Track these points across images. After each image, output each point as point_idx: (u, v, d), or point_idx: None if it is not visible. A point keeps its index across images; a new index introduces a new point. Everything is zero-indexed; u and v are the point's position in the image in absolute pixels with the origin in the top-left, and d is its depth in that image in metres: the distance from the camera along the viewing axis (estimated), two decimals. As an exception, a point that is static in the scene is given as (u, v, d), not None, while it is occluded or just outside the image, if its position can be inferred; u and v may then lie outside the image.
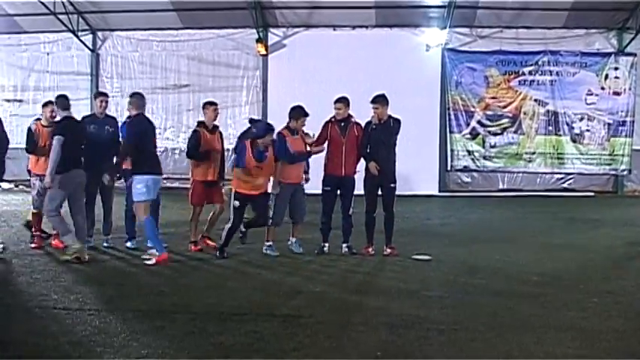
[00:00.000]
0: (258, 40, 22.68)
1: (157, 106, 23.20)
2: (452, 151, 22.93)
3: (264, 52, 23.13)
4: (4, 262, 9.96)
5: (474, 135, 22.87)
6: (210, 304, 7.60)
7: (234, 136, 21.07)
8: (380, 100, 10.76)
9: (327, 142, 10.91)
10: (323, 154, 11.00)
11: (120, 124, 11.44)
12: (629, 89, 22.51)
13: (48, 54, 24.52)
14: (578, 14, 21.86)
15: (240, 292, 8.29)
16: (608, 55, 22.61)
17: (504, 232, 14.36)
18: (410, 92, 20.12)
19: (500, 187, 23.17)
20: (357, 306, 7.65)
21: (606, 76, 22.49)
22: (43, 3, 21.35)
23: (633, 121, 22.57)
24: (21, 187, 22.08)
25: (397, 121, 10.83)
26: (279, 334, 6.33)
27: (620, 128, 22.59)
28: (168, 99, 23.87)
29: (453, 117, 22.83)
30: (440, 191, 22.82)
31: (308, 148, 10.89)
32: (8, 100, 24.73)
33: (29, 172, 11.45)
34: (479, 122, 22.81)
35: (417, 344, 6.06)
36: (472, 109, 22.78)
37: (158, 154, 11.79)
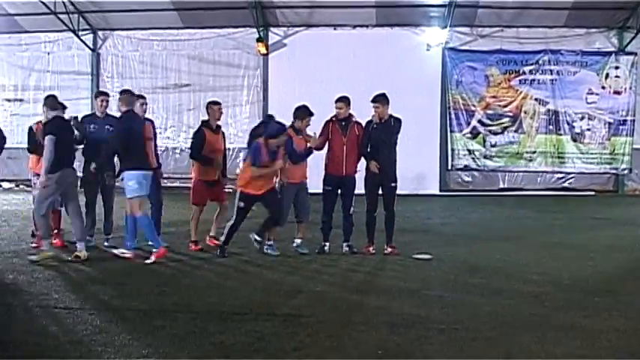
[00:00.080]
0: (258, 40, 22.69)
1: (158, 105, 23.22)
2: (452, 150, 22.95)
3: (264, 52, 23.15)
4: (5, 261, 9.96)
5: (474, 134, 22.89)
6: (210, 304, 7.60)
7: (234, 135, 21.20)
8: (381, 100, 10.75)
9: (327, 142, 10.90)
10: (324, 153, 10.99)
11: None
12: (630, 88, 22.54)
13: (48, 53, 24.54)
14: (579, 13, 21.88)
15: (241, 291, 8.28)
16: (609, 54, 22.64)
17: (505, 231, 14.35)
18: (410, 91, 20.15)
19: (501, 186, 23.19)
20: (358, 305, 7.64)
21: (607, 76, 22.52)
22: (43, 2, 21.38)
23: (634, 120, 22.60)
24: (21, 186, 22.12)
25: (398, 121, 10.82)
26: (280, 334, 6.33)
27: (621, 127, 22.63)
28: (168, 98, 23.89)
29: (453, 116, 22.85)
30: (440, 190, 22.86)
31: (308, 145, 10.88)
32: (9, 100, 24.76)
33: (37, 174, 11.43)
34: (479, 121, 22.83)
35: (418, 343, 6.05)
36: (473, 109, 22.80)
37: (159, 153, 11.82)
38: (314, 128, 10.96)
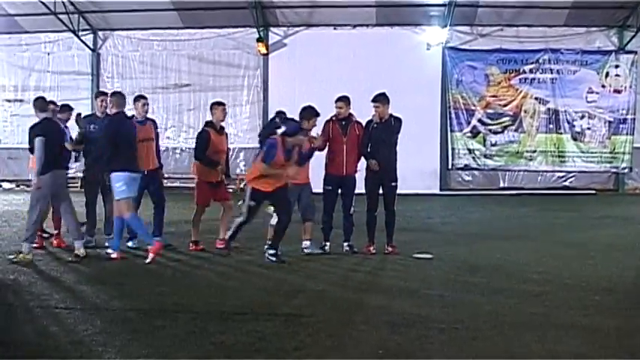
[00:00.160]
0: (258, 40, 22.71)
1: (158, 105, 23.21)
2: (453, 149, 22.97)
3: (264, 52, 23.17)
4: (6, 262, 9.95)
5: (474, 133, 22.91)
6: (211, 304, 7.60)
7: (234, 135, 21.21)
8: (381, 99, 10.74)
9: (327, 142, 10.89)
10: (324, 153, 10.98)
11: None
12: (630, 87, 22.57)
13: (49, 54, 24.57)
14: (579, 12, 21.90)
15: (242, 291, 8.29)
16: (609, 53, 22.66)
17: (505, 230, 14.36)
18: (411, 91, 20.16)
19: (501, 185, 23.21)
20: (359, 305, 7.63)
21: (607, 74, 22.55)
22: (43, 3, 21.39)
23: (634, 119, 22.63)
24: (22, 186, 22.13)
25: (398, 120, 10.82)
26: (281, 334, 6.32)
27: (621, 126, 22.66)
28: (169, 98, 23.91)
29: (453, 115, 22.88)
30: (441, 190, 22.87)
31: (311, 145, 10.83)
32: (9, 100, 24.78)
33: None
34: (480, 121, 22.85)
35: (419, 343, 6.05)
36: (473, 108, 22.81)
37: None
38: (315, 128, 10.95)
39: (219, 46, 23.87)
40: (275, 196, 10.18)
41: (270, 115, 22.51)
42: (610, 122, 22.69)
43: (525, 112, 22.77)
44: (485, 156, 22.94)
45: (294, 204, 10.77)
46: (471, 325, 6.59)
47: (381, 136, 10.71)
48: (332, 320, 6.86)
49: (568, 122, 22.73)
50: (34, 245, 10.84)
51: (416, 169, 19.32)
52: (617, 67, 22.58)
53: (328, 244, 10.97)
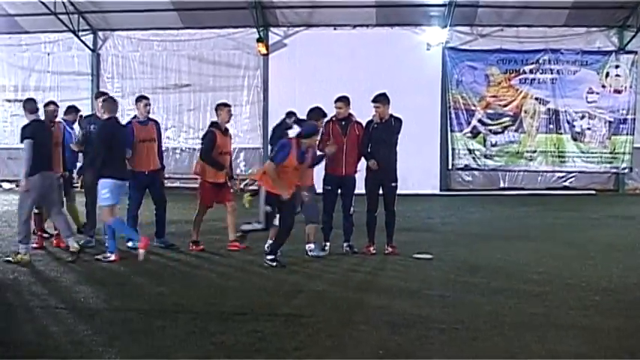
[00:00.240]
0: (258, 40, 22.68)
1: (158, 105, 23.15)
2: (453, 149, 22.95)
3: (264, 52, 23.14)
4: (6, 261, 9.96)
5: (474, 134, 22.88)
6: (211, 304, 7.61)
7: (235, 135, 21.16)
8: (381, 99, 10.73)
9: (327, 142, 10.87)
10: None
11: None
12: (630, 87, 22.53)
13: (49, 54, 24.53)
14: (579, 12, 21.87)
15: (242, 291, 8.30)
16: (609, 53, 22.62)
17: (505, 230, 14.35)
18: (411, 91, 20.13)
19: (502, 185, 23.19)
20: (359, 305, 7.64)
21: (607, 74, 22.51)
22: (43, 3, 21.38)
23: (634, 119, 22.59)
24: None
25: (398, 120, 10.81)
26: (281, 334, 6.33)
27: (621, 126, 22.62)
28: (169, 99, 23.88)
29: (453, 116, 22.84)
30: (441, 190, 22.84)
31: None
32: (9, 101, 24.76)
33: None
34: (480, 121, 22.82)
35: (419, 343, 6.06)
36: (473, 108, 22.79)
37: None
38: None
39: (219, 47, 23.83)
40: (282, 203, 9.87)
41: (271, 115, 22.76)
42: (610, 122, 22.66)
43: (525, 112, 22.74)
44: (486, 156, 22.91)
45: (298, 206, 10.65)
46: (472, 326, 6.60)
47: (381, 137, 10.70)
48: (332, 320, 6.87)
49: (568, 122, 22.70)
50: (34, 245, 10.88)
51: (416, 169, 19.27)
52: (617, 67, 22.54)
53: (328, 244, 10.96)
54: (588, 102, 22.59)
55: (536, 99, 22.69)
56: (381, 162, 10.63)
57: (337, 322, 6.80)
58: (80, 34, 23.53)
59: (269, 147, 12.27)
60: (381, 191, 10.90)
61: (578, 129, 22.72)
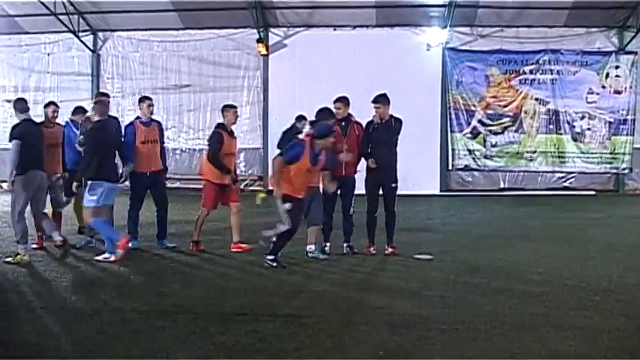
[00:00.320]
0: (258, 40, 22.67)
1: (158, 106, 22.94)
2: (453, 150, 22.94)
3: (264, 52, 23.13)
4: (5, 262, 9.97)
5: (474, 134, 22.88)
6: (211, 305, 7.61)
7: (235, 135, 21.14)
8: (381, 100, 10.73)
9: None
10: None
11: (125, 125, 11.59)
12: (630, 88, 22.53)
13: (49, 54, 24.51)
14: (579, 13, 21.87)
15: (242, 292, 8.28)
16: (609, 53, 22.62)
17: (505, 231, 14.34)
18: (411, 92, 20.12)
19: (502, 186, 23.18)
20: (359, 305, 7.64)
21: (607, 75, 22.50)
22: (43, 3, 21.37)
23: (634, 120, 22.59)
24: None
25: (399, 121, 10.80)
26: (281, 334, 6.33)
27: (621, 127, 22.61)
28: (169, 99, 23.87)
29: (453, 116, 22.84)
30: (441, 190, 22.83)
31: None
32: (9, 101, 24.64)
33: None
34: (480, 121, 22.81)
35: (419, 343, 6.06)
36: (473, 109, 22.78)
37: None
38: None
39: (220, 47, 23.82)
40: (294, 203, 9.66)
41: (271, 116, 22.77)
42: (610, 123, 22.65)
43: (525, 112, 22.73)
44: (486, 157, 22.91)
45: (305, 209, 10.47)
46: (472, 326, 6.60)
47: (381, 137, 10.69)
48: (332, 321, 6.86)
49: (568, 123, 22.69)
50: (34, 246, 10.89)
51: (416, 169, 19.26)
52: (617, 67, 22.54)
53: (328, 244, 10.94)
54: (588, 102, 22.59)
55: (536, 99, 22.69)
56: (381, 162, 10.61)
57: (337, 323, 6.79)
58: (80, 34, 23.53)
59: (277, 150, 12.13)
60: (381, 192, 10.89)
61: (578, 129, 22.72)
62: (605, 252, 11.40)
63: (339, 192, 10.87)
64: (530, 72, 22.66)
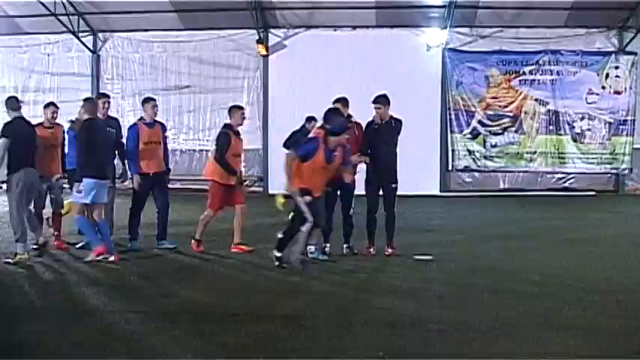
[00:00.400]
0: (258, 41, 22.64)
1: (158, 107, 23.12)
2: (453, 151, 22.91)
3: (264, 53, 23.10)
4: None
5: (474, 135, 22.84)
6: (212, 305, 7.60)
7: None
8: (382, 100, 10.71)
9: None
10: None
11: (129, 126, 11.57)
12: (630, 88, 22.49)
13: (48, 55, 24.45)
14: (579, 13, 21.83)
15: (242, 292, 8.29)
16: (609, 54, 22.58)
17: (505, 231, 14.32)
18: (410, 92, 20.06)
19: (501, 186, 23.15)
20: (359, 306, 7.64)
21: (607, 75, 22.47)
22: (43, 4, 21.34)
23: (634, 120, 22.54)
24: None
25: (399, 122, 10.79)
26: (281, 335, 6.32)
27: (621, 127, 22.57)
28: (169, 100, 23.79)
29: (453, 117, 22.80)
30: (441, 191, 22.79)
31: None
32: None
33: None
34: (480, 122, 22.78)
35: (419, 344, 6.06)
36: (473, 109, 22.75)
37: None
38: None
39: (219, 48, 23.77)
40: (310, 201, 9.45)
41: (270, 117, 22.74)
42: (610, 123, 22.61)
43: (525, 113, 22.69)
44: (486, 157, 22.88)
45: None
46: (472, 326, 6.59)
47: (381, 138, 10.67)
48: (332, 321, 6.87)
49: (568, 123, 22.66)
50: (34, 247, 10.86)
51: (416, 170, 19.23)
52: (617, 68, 22.50)
53: (328, 245, 10.92)
54: (588, 103, 22.56)
55: (536, 100, 22.65)
56: (382, 163, 10.61)
57: (337, 323, 6.79)
58: (80, 35, 23.48)
59: (283, 149, 12.10)
60: (381, 192, 10.88)
61: (578, 130, 22.68)
62: (606, 252, 11.42)
63: (338, 192, 10.85)
64: (530, 72, 22.62)
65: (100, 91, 21.19)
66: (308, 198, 9.30)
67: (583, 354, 5.77)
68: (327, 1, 22.04)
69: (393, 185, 10.84)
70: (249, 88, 23.62)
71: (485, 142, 22.84)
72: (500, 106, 22.73)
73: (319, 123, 10.63)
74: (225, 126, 11.32)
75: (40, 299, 7.87)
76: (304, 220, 9.41)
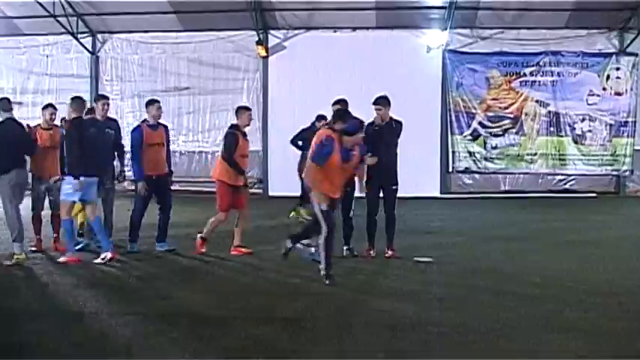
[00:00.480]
0: (258, 42, 22.60)
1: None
2: (453, 152, 22.85)
3: (264, 54, 23.05)
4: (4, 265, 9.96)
5: (475, 136, 22.78)
6: (211, 307, 7.59)
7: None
8: (382, 102, 10.72)
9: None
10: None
11: (132, 129, 11.52)
12: (631, 89, 22.42)
13: (47, 56, 24.36)
14: (580, 14, 21.78)
15: (241, 294, 8.28)
16: (610, 55, 22.52)
17: (506, 233, 14.29)
18: (411, 94, 20.00)
19: (502, 188, 23.08)
20: (359, 308, 7.63)
21: (608, 77, 22.41)
22: (42, 5, 21.30)
23: (635, 122, 22.48)
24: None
25: (399, 123, 10.81)
26: (281, 337, 6.33)
27: (622, 129, 22.50)
28: (168, 102, 23.60)
29: (454, 118, 22.74)
30: (441, 193, 22.74)
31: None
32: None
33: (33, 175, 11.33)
34: (480, 123, 22.72)
35: (419, 346, 6.05)
36: (473, 111, 22.69)
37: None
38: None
39: (219, 49, 23.70)
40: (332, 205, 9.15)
41: (271, 116, 22.70)
42: (611, 125, 22.55)
43: (526, 114, 22.63)
44: (486, 159, 22.82)
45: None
46: (472, 328, 6.59)
47: (382, 139, 10.63)
48: (332, 323, 6.87)
49: (569, 125, 22.60)
50: (32, 248, 10.84)
51: (416, 172, 19.18)
52: (618, 69, 22.44)
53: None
54: (589, 104, 22.50)
55: (537, 101, 22.59)
56: (382, 164, 10.55)
57: (337, 325, 6.78)
58: (79, 36, 23.42)
59: (290, 146, 12.04)
60: (381, 194, 10.83)
61: (578, 131, 22.62)
62: (607, 254, 11.39)
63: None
64: (531, 74, 22.55)
65: (99, 92, 21.08)
66: (324, 205, 8.98)
67: (585, 355, 5.77)
68: (326, 2, 21.98)
69: (394, 187, 10.84)
70: (249, 89, 23.57)
71: (485, 143, 22.78)
72: (500, 108, 22.67)
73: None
74: (232, 126, 11.29)
75: (39, 301, 7.88)
76: (320, 229, 9.13)
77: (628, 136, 22.50)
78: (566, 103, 22.45)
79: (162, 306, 7.67)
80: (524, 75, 22.57)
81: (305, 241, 10.24)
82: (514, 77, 22.60)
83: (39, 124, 11.32)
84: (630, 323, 6.90)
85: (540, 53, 22.50)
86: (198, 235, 11.24)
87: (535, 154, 22.69)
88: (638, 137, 22.50)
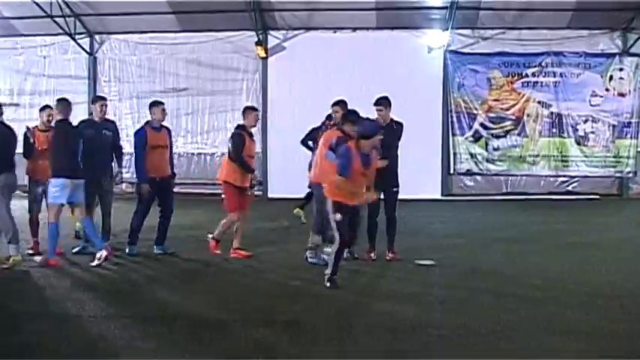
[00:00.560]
0: (257, 43, 22.55)
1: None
2: (454, 154, 22.78)
3: (263, 55, 23.01)
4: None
5: (476, 138, 22.70)
6: (210, 310, 7.61)
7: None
8: (383, 102, 10.69)
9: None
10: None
11: (135, 131, 11.56)
12: (634, 90, 22.37)
13: (44, 57, 24.33)
14: (582, 15, 21.72)
15: (241, 296, 8.30)
16: (613, 55, 22.46)
17: (507, 235, 14.26)
18: (412, 95, 19.96)
19: (504, 190, 23.02)
20: (360, 310, 7.64)
21: (611, 77, 22.34)
22: (39, 5, 21.20)
23: (638, 123, 22.44)
24: (18, 192, 21.90)
25: (400, 124, 10.79)
26: (281, 339, 6.37)
27: (625, 130, 22.45)
28: (166, 103, 23.42)
29: (455, 119, 22.67)
30: (443, 195, 22.70)
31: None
32: (4, 104, 24.50)
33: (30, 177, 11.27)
34: (482, 125, 22.64)
35: (420, 348, 6.07)
36: (475, 112, 22.62)
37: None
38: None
39: (218, 50, 23.65)
40: (351, 213, 8.91)
41: (270, 117, 22.63)
42: (614, 126, 22.48)
43: (528, 116, 22.56)
44: (488, 160, 22.74)
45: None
46: (473, 330, 6.60)
47: (383, 140, 10.46)
48: (332, 326, 6.87)
49: (571, 126, 22.53)
50: (30, 251, 10.81)
51: (417, 174, 19.10)
52: (621, 70, 22.37)
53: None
54: (592, 105, 22.42)
55: (539, 102, 22.53)
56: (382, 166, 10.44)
57: (338, 328, 6.78)
58: (77, 37, 23.37)
59: (301, 147, 11.90)
60: (382, 196, 10.71)
61: (581, 133, 22.54)
62: (609, 256, 11.36)
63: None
64: (533, 75, 22.49)
65: (97, 93, 21.11)
66: (338, 217, 8.68)
67: (586, 357, 5.78)
68: (326, 3, 21.88)
69: (394, 189, 10.81)
70: (248, 90, 23.52)
71: (487, 145, 22.70)
72: (502, 109, 22.59)
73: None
74: (239, 127, 11.26)
75: (37, 304, 7.86)
76: (333, 238, 8.94)
77: (631, 138, 22.46)
78: (568, 104, 22.38)
79: (161, 308, 7.69)
80: (526, 76, 22.51)
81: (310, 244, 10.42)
82: (516, 78, 22.53)
83: (36, 126, 11.24)
84: (632, 325, 6.89)
85: (542, 54, 22.45)
86: (209, 236, 11.18)
87: (537, 155, 22.62)
88: (642, 138, 22.44)
